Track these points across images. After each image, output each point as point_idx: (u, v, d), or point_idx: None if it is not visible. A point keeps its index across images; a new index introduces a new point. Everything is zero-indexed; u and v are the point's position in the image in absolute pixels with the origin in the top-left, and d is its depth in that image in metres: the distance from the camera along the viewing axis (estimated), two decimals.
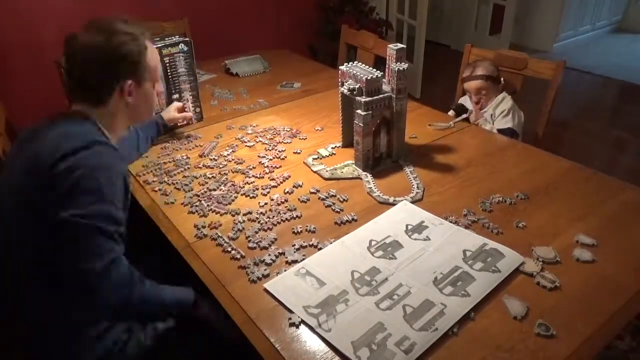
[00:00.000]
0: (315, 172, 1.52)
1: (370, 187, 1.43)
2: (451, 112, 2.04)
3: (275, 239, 1.21)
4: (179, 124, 1.80)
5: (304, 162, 1.58)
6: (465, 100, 2.10)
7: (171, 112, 1.74)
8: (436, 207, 1.33)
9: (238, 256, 1.16)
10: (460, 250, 1.15)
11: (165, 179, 1.49)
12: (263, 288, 1.06)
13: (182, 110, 1.79)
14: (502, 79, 1.99)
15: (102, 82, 1.10)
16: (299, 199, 1.38)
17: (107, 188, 0.99)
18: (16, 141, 1.15)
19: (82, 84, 1.10)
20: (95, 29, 1.08)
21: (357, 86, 1.43)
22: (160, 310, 1.16)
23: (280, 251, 1.17)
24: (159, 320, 1.17)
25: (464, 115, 1.90)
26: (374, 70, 1.47)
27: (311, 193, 1.41)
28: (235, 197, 1.40)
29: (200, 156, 1.63)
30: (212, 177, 1.50)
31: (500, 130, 1.87)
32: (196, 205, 1.36)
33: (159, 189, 1.44)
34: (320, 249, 1.18)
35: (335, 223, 1.27)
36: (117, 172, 1.05)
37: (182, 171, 1.54)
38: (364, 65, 1.52)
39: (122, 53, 1.08)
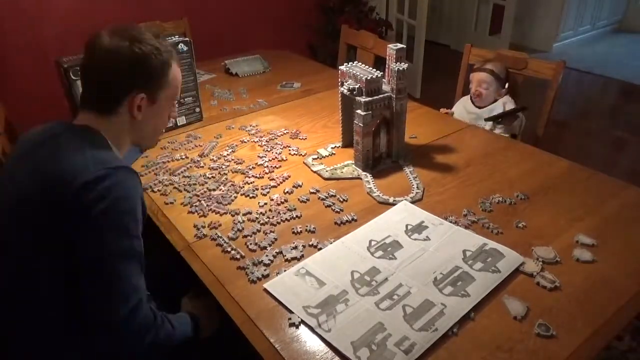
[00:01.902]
0: (315, 172, 1.52)
1: (370, 187, 1.43)
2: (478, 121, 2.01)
3: (275, 239, 1.21)
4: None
5: (303, 162, 1.58)
6: (465, 102, 2.10)
7: None
8: (436, 207, 1.33)
9: (238, 256, 1.16)
10: (460, 250, 1.15)
11: (165, 179, 1.49)
12: (263, 288, 1.06)
13: None
14: (507, 84, 1.98)
15: (113, 90, 1.02)
16: (298, 199, 1.38)
17: (132, 221, 0.93)
18: (17, 151, 1.05)
19: (94, 89, 1.03)
20: (121, 35, 1.01)
21: (357, 86, 1.43)
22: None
23: (280, 251, 1.17)
24: None
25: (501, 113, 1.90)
26: (374, 70, 1.47)
27: (311, 193, 1.41)
28: (235, 197, 1.40)
29: (200, 156, 1.63)
30: (212, 177, 1.50)
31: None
32: (196, 205, 1.36)
33: (159, 189, 1.44)
34: (320, 249, 1.17)
35: (335, 223, 1.27)
36: (139, 200, 0.97)
37: (182, 171, 1.54)
38: (363, 65, 1.52)
39: (141, 62, 1.01)
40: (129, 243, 0.92)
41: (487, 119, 1.87)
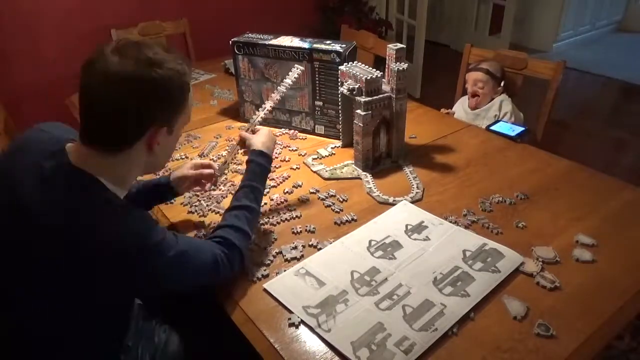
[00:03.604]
0: (314, 172, 1.52)
1: (370, 187, 1.43)
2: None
3: (275, 239, 1.21)
4: (193, 189, 1.31)
5: (303, 162, 1.58)
6: (463, 102, 2.10)
7: (184, 170, 1.26)
8: (436, 207, 1.32)
9: None
10: (460, 250, 1.15)
11: None
12: (263, 288, 1.06)
13: (199, 167, 1.27)
14: (502, 82, 1.99)
15: (131, 126, 0.87)
16: (298, 199, 1.38)
17: (155, 239, 0.88)
18: (9, 156, 0.97)
19: (100, 123, 0.86)
20: (132, 55, 0.84)
21: (356, 86, 1.43)
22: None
23: (280, 251, 1.17)
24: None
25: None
26: (374, 70, 1.46)
27: (311, 193, 1.40)
28: None
29: (200, 156, 1.63)
30: None
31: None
32: (196, 205, 1.35)
33: None
34: (320, 249, 1.17)
35: (335, 223, 1.27)
36: (156, 232, 0.89)
37: None
38: (363, 65, 1.51)
39: (162, 91, 0.86)
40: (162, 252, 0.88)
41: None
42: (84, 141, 0.89)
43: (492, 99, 1.99)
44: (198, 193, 1.40)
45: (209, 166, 1.28)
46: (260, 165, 1.20)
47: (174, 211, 1.34)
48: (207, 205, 1.35)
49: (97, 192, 0.88)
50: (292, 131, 1.78)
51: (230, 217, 1.09)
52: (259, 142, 1.24)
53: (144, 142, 0.90)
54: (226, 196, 1.39)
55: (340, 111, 1.62)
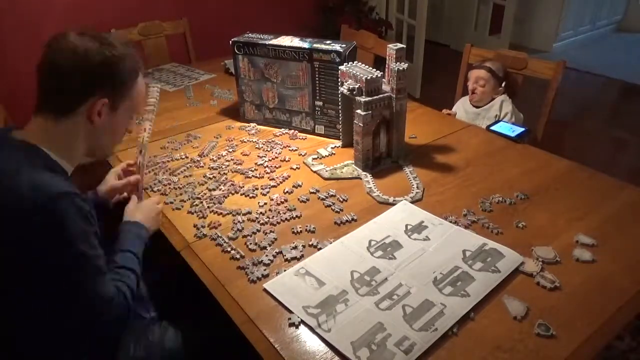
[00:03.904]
0: (314, 172, 1.52)
1: (370, 187, 1.43)
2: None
3: (275, 239, 1.21)
4: (120, 195, 1.33)
5: (303, 162, 1.58)
6: (464, 102, 2.10)
7: (109, 182, 1.32)
8: (436, 207, 1.32)
9: (237, 256, 1.15)
10: (460, 250, 1.15)
11: (165, 179, 1.49)
12: (262, 288, 1.06)
13: (124, 174, 1.36)
14: (503, 83, 1.99)
15: (76, 89, 0.96)
16: (298, 199, 1.38)
17: (73, 245, 0.89)
18: None
19: (54, 88, 0.97)
20: (90, 35, 0.97)
21: (356, 86, 1.43)
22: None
23: (280, 251, 1.17)
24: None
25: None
26: (374, 70, 1.46)
27: (311, 193, 1.40)
28: (231, 195, 1.39)
29: (200, 156, 1.63)
30: (212, 177, 1.50)
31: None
32: (196, 206, 1.35)
33: (159, 189, 1.44)
34: (320, 249, 1.17)
35: (335, 223, 1.27)
36: (80, 222, 0.90)
37: (182, 171, 1.54)
38: (363, 65, 1.51)
39: (109, 65, 0.97)
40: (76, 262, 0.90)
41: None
42: (35, 112, 0.98)
43: (493, 98, 1.99)
44: (198, 193, 1.40)
45: (130, 172, 1.35)
46: (132, 233, 1.15)
47: (174, 211, 1.34)
48: (208, 205, 1.35)
49: (40, 162, 0.94)
50: (292, 131, 1.78)
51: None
52: (138, 217, 1.20)
53: (85, 109, 0.98)
54: (227, 196, 1.39)
55: (340, 111, 1.62)
